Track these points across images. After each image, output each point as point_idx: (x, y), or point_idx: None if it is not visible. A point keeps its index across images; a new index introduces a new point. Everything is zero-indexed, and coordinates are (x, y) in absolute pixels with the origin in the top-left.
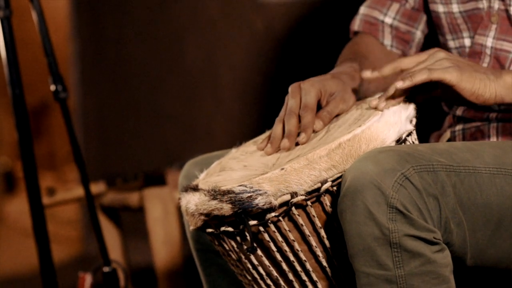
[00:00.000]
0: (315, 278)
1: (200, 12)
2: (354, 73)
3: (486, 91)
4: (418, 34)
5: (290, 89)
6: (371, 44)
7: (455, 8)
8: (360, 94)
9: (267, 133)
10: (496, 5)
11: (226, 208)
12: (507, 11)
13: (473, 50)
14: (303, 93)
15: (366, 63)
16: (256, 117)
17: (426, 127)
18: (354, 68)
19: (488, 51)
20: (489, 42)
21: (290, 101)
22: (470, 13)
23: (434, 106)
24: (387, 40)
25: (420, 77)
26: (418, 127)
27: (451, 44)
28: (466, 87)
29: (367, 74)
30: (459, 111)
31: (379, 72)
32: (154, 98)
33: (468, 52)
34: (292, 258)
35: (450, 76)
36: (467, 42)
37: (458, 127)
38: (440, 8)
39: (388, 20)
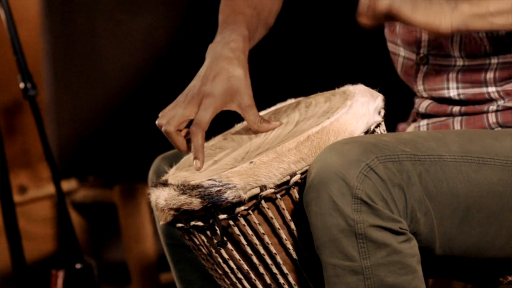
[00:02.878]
0: (285, 270)
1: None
2: (239, 54)
3: (441, 23)
4: None
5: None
6: None
7: None
8: None
9: (236, 127)
10: None
11: (195, 203)
12: None
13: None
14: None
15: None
16: (226, 111)
17: (393, 118)
18: (238, 45)
19: None
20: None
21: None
22: None
23: (402, 97)
24: None
25: (381, 8)
26: (385, 118)
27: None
28: (420, 21)
29: None
30: (422, 109)
31: None
32: (127, 95)
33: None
34: (262, 251)
35: (404, 11)
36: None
37: (423, 122)
38: None
39: None
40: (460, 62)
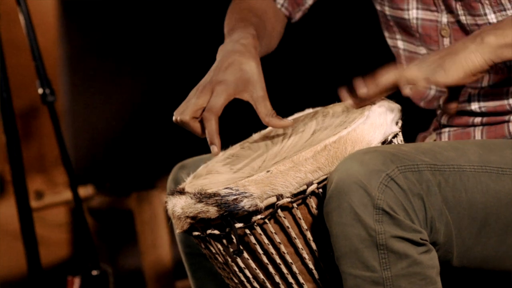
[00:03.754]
0: (301, 280)
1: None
2: (250, 48)
3: (475, 63)
4: (309, 1)
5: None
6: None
7: (406, 15)
8: None
9: (254, 137)
10: (445, 18)
11: (212, 211)
12: (458, 22)
13: None
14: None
15: (261, 27)
16: (244, 121)
17: (412, 129)
18: (249, 41)
19: None
20: None
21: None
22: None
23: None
24: None
25: (422, 86)
26: (404, 128)
27: (401, 45)
28: (458, 77)
29: None
30: (443, 120)
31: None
32: (143, 101)
33: None
34: (278, 260)
35: (439, 78)
36: (422, 50)
37: (444, 129)
38: (388, 12)
39: None
40: (485, 81)
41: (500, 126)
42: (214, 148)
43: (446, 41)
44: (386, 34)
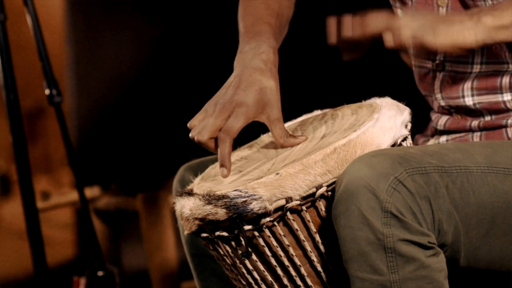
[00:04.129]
0: (310, 283)
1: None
2: (271, 66)
3: (466, 39)
4: None
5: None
6: None
7: None
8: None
9: (262, 138)
10: None
11: (221, 213)
12: None
13: None
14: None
15: (277, 26)
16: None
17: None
18: (269, 57)
19: None
20: None
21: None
22: None
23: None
24: None
25: (405, 40)
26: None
27: (400, 14)
28: (444, 42)
29: None
30: (440, 126)
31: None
32: (150, 102)
33: None
34: (287, 263)
35: (427, 38)
36: None
37: (442, 138)
38: None
39: None
40: (476, 69)
41: (499, 132)
42: (224, 171)
43: (442, 10)
44: (391, 1)
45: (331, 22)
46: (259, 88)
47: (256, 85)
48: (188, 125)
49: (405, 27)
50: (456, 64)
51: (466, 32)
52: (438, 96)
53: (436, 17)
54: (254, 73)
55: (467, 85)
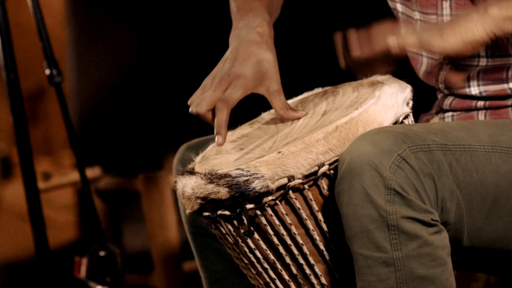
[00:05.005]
0: (312, 261)
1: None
2: (267, 39)
3: (475, 33)
4: None
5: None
6: None
7: None
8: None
9: (263, 116)
10: None
11: (223, 192)
12: None
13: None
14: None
15: (271, 2)
16: (253, 99)
17: (415, 109)
18: (265, 30)
19: None
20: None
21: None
22: None
23: (424, 88)
24: None
25: (411, 46)
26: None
27: (399, 8)
28: (455, 44)
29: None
30: (445, 106)
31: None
32: (150, 83)
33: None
34: (289, 241)
35: (435, 42)
36: (416, 15)
37: (447, 114)
38: None
39: None
40: (483, 62)
41: (504, 111)
42: (219, 139)
43: (446, 4)
44: (391, 4)
45: (338, 41)
46: (257, 60)
47: (254, 58)
48: (188, 102)
49: (410, 42)
50: (462, 58)
51: (474, 26)
52: (442, 86)
53: (441, 23)
54: (251, 46)
55: (472, 76)
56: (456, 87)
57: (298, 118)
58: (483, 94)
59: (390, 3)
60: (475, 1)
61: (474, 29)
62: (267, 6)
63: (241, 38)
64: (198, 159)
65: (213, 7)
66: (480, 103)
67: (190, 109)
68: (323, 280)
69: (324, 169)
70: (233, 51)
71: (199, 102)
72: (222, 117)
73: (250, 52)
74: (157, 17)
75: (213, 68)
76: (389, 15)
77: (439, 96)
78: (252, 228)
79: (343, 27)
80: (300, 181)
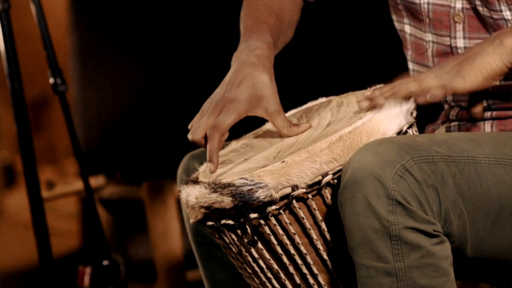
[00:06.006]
0: (315, 271)
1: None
2: (264, 60)
3: (493, 66)
4: None
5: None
6: None
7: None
8: None
9: (267, 126)
10: (459, 4)
11: (226, 201)
12: (474, 9)
13: (442, 50)
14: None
15: (277, 27)
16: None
17: (419, 119)
18: (263, 52)
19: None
20: (461, 43)
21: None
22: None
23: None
24: None
25: (437, 96)
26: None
27: (408, 29)
28: (477, 83)
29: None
30: (452, 116)
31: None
32: (154, 92)
33: (436, 50)
34: (292, 251)
35: (458, 85)
36: (429, 36)
37: (454, 123)
38: None
39: None
40: (495, 83)
41: (511, 121)
42: (211, 166)
43: (459, 27)
44: (394, 17)
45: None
46: (252, 83)
47: (249, 80)
48: (188, 127)
49: (432, 85)
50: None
51: (491, 58)
52: (449, 98)
53: (457, 58)
54: (247, 68)
55: (481, 96)
56: (475, 117)
57: (303, 132)
58: (492, 107)
59: (397, 25)
60: (487, 25)
61: (492, 62)
62: (273, 28)
63: (239, 61)
64: (202, 168)
65: (217, 23)
66: (487, 114)
67: (187, 136)
68: None
69: (328, 178)
70: (232, 75)
71: (194, 130)
72: (212, 145)
73: (245, 75)
74: (161, 26)
75: (217, 79)
76: (394, 35)
77: (446, 106)
78: (255, 238)
79: (348, 40)
80: (304, 190)
